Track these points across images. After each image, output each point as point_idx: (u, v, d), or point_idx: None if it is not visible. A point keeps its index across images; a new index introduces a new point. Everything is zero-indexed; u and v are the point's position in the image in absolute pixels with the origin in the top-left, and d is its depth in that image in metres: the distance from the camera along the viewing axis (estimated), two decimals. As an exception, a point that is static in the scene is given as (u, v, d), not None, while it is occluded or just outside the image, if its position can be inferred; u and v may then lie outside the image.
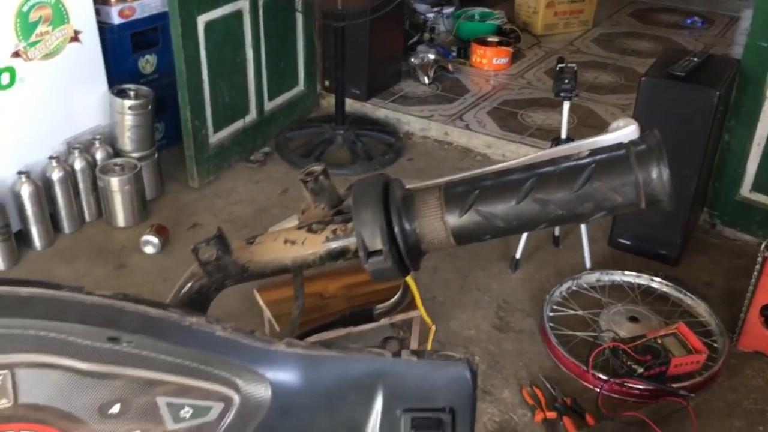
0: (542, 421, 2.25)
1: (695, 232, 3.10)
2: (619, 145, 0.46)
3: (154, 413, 0.46)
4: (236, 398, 0.46)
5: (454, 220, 0.47)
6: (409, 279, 0.65)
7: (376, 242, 0.49)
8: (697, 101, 2.66)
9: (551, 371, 2.44)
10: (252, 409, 0.46)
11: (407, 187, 0.52)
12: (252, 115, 3.67)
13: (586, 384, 2.36)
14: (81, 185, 3.04)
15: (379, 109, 4.06)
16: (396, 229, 0.49)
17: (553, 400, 2.31)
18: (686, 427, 2.17)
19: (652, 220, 2.89)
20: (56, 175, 2.93)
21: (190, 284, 0.58)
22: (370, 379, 0.46)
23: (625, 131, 0.54)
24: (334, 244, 0.56)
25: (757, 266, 2.39)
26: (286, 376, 0.46)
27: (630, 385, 2.30)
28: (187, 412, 0.46)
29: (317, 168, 0.61)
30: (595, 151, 0.46)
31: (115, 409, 0.46)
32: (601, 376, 2.32)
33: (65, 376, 0.45)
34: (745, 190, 3.01)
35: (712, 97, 2.61)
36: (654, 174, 0.43)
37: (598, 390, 2.31)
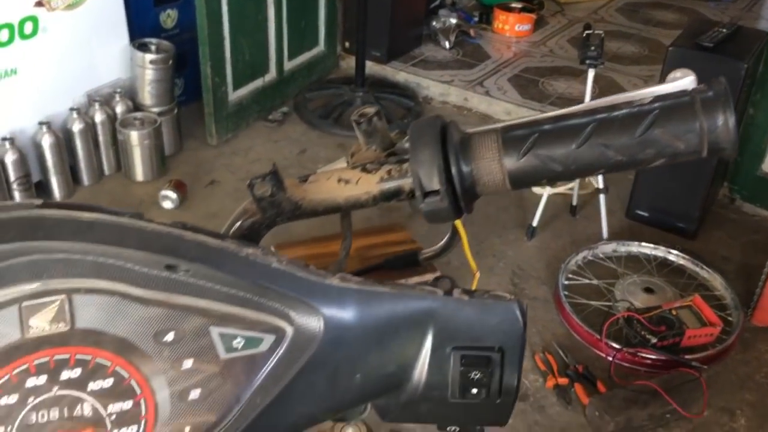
0: (554, 387, 2.27)
1: (714, 206, 3.08)
2: (683, 92, 0.45)
3: (207, 343, 0.47)
4: (289, 330, 0.46)
5: (511, 163, 0.47)
6: (458, 223, 0.65)
7: (434, 182, 0.49)
8: (724, 73, 2.57)
9: (564, 339, 2.45)
10: (304, 342, 0.46)
11: (465, 131, 0.52)
12: (272, 74, 3.65)
13: (598, 352, 2.37)
14: (101, 138, 3.05)
15: (399, 73, 4.03)
16: (453, 170, 0.49)
17: (565, 367, 2.33)
18: (697, 398, 2.18)
19: (670, 193, 2.88)
20: (77, 126, 2.93)
21: (242, 220, 0.59)
22: (421, 316, 0.46)
23: (682, 82, 0.53)
24: (389, 184, 0.56)
25: (777, 242, 2.38)
26: (338, 309, 0.47)
27: (643, 354, 2.31)
28: (239, 342, 0.47)
29: (370, 110, 0.60)
30: (658, 98, 0.46)
31: (170, 336, 0.46)
32: (614, 345, 2.33)
33: (122, 302, 0.45)
34: (767, 165, 2.99)
35: (740, 69, 2.58)
36: (720, 121, 0.42)
37: (611, 359, 2.32)
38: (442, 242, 0.74)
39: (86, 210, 0.46)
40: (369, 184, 0.57)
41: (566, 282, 2.62)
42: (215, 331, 0.46)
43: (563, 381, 2.28)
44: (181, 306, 0.46)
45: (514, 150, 0.47)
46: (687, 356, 2.30)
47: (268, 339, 0.47)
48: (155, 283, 0.45)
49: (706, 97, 0.43)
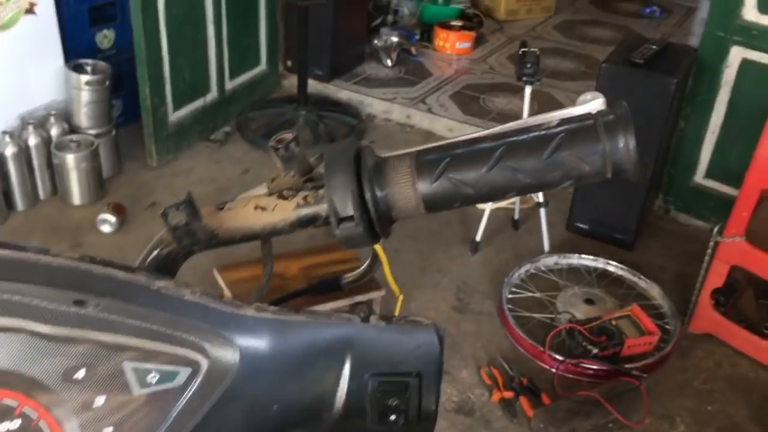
0: (499, 401, 2.29)
1: (650, 217, 3.17)
2: (588, 115, 0.47)
3: (120, 379, 0.46)
4: (204, 363, 0.46)
5: (425, 187, 0.47)
6: (377, 247, 0.66)
7: (347, 208, 0.49)
8: (655, 88, 2.71)
9: (509, 352, 2.48)
10: (220, 374, 0.46)
11: (379, 155, 0.53)
12: (213, 93, 3.62)
13: (542, 364, 2.40)
14: (35, 161, 2.97)
15: (341, 91, 4.04)
16: (367, 195, 0.49)
17: (510, 380, 2.35)
18: (638, 406, 2.23)
19: (608, 205, 2.95)
20: (9, 150, 2.85)
21: (158, 250, 0.58)
22: (338, 344, 0.46)
23: (592, 104, 0.54)
24: (305, 211, 0.56)
25: (709, 251, 2.46)
26: (254, 340, 0.46)
27: (585, 365, 2.35)
28: (153, 377, 0.46)
29: (288, 135, 0.60)
30: (564, 121, 0.47)
31: (80, 374, 0.45)
32: (557, 357, 2.36)
33: (29, 340, 0.44)
34: (699, 176, 3.09)
35: (670, 85, 2.66)
36: (621, 143, 0.44)
37: (554, 370, 2.36)
38: (363, 267, 0.74)
39: (-14, 246, 0.44)
40: (285, 211, 0.57)
41: (510, 296, 2.65)
42: (128, 367, 0.45)
43: (508, 394, 2.30)
44: (92, 342, 0.45)
45: (428, 174, 0.47)
46: (627, 365, 2.35)
47: (184, 372, 0.46)
48: (64, 319, 0.44)
49: (608, 121, 0.45)
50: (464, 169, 0.46)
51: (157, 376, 0.46)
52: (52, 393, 0.45)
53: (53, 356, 0.45)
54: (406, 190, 0.47)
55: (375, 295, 2.47)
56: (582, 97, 0.55)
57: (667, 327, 2.53)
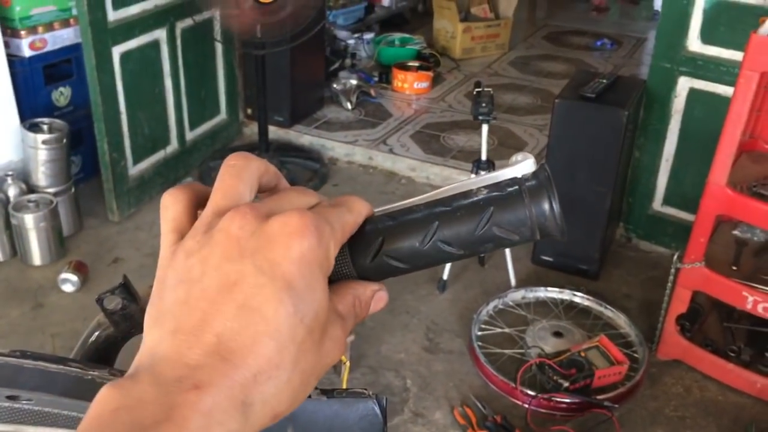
0: (474, 440, 2.28)
1: (612, 246, 3.22)
2: (513, 181, 0.48)
3: (60, 470, 0.45)
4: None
5: (361, 266, 0.48)
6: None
7: None
8: (607, 121, 2.77)
9: (481, 390, 2.47)
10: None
11: None
12: (173, 145, 3.61)
13: (515, 401, 2.40)
14: (-7, 223, 2.92)
15: (302, 136, 4.06)
16: None
17: (483, 419, 2.34)
18: (612, 437, 2.23)
19: (571, 236, 2.98)
20: (-34, 214, 2.80)
21: (96, 333, 0.57)
22: (279, 420, 0.45)
23: (522, 165, 0.56)
24: None
25: (671, 277, 2.50)
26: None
27: (557, 399, 2.35)
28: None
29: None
30: (492, 187, 0.48)
31: (17, 468, 0.44)
32: (529, 392, 2.36)
33: (-36, 438, 0.43)
34: (657, 204, 3.15)
35: (621, 117, 2.73)
36: (546, 208, 0.45)
37: (527, 406, 2.35)
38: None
39: None
40: None
41: (479, 333, 2.65)
42: (67, 458, 0.45)
43: (483, 433, 2.29)
44: (28, 435, 0.44)
45: (363, 255, 0.48)
46: (599, 396, 2.36)
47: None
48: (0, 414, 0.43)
49: (531, 186, 0.46)
50: (399, 244, 0.47)
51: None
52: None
53: (-10, 452, 0.44)
54: (345, 270, 0.48)
55: (344, 340, 2.46)
56: (513, 158, 0.57)
57: (636, 355, 2.55)
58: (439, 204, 0.48)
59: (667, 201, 3.12)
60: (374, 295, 0.43)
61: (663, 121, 2.99)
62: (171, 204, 0.39)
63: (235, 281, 0.34)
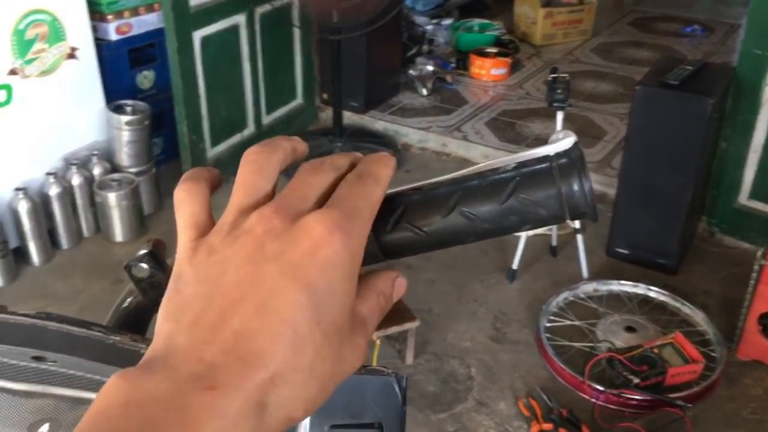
0: (538, 433, 2.24)
1: (694, 240, 3.09)
2: (545, 158, 0.46)
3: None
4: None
5: (383, 235, 0.47)
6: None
7: None
8: (691, 110, 2.65)
9: (547, 382, 2.43)
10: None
11: None
12: (250, 128, 3.69)
13: (582, 395, 2.34)
14: (79, 201, 3.05)
15: (377, 122, 4.07)
16: None
17: (549, 411, 2.30)
18: (683, 437, 2.15)
19: (649, 229, 2.88)
20: (54, 191, 2.94)
21: (129, 300, 0.58)
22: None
23: (562, 144, 0.53)
24: None
25: (754, 274, 2.38)
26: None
27: (626, 395, 2.28)
28: None
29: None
30: (521, 164, 0.46)
31: (44, 428, 0.46)
32: (598, 387, 2.30)
33: (-5, 395, 0.45)
34: (743, 197, 3.00)
35: (707, 106, 2.60)
36: (575, 186, 0.42)
37: (594, 401, 2.29)
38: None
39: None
40: None
41: (548, 324, 2.60)
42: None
43: (547, 426, 2.24)
44: (54, 396, 0.45)
45: (383, 222, 0.46)
46: (671, 395, 2.27)
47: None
48: (25, 374, 0.44)
49: (561, 164, 0.43)
50: (420, 216, 0.46)
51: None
52: (18, 447, 0.46)
53: (18, 411, 0.45)
54: (369, 247, 0.47)
55: (409, 325, 2.46)
56: (554, 136, 0.54)
57: (713, 354, 2.45)
58: (466, 179, 0.46)
59: (754, 195, 2.96)
60: (394, 284, 0.42)
61: (752, 110, 2.84)
62: (187, 199, 0.39)
63: (257, 282, 0.34)
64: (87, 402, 0.45)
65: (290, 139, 0.42)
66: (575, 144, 0.47)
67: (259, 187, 0.38)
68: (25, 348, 0.44)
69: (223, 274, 0.34)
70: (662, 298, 2.72)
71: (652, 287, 2.74)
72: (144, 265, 0.54)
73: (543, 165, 0.44)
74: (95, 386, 0.45)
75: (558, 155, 0.45)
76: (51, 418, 0.45)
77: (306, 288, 0.33)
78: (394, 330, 2.46)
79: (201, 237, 0.37)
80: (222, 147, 3.51)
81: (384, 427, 0.45)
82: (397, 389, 0.45)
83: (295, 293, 0.33)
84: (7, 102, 2.77)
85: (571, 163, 0.43)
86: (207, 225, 0.38)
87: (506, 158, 0.50)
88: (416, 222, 0.46)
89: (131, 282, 0.58)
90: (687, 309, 2.66)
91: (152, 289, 0.57)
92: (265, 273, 0.34)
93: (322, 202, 0.37)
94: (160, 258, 0.56)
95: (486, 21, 5.23)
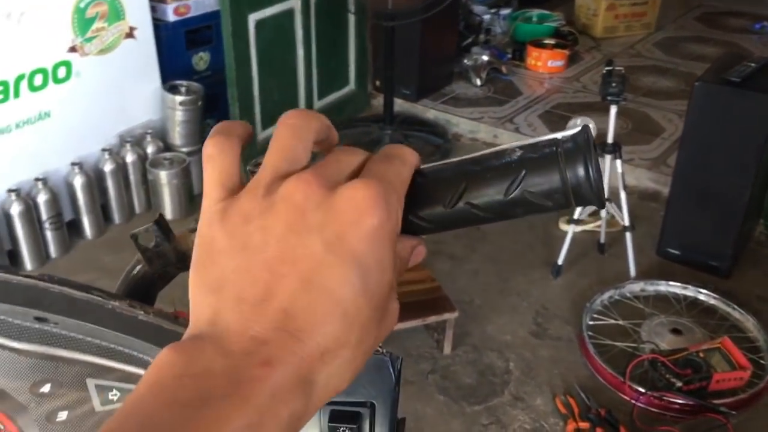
0: (574, 431, 2.20)
1: (749, 243, 2.98)
2: (551, 142, 0.44)
3: (84, 395, 0.47)
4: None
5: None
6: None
7: None
8: (752, 108, 2.55)
9: (587, 381, 2.38)
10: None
11: None
12: (301, 113, 3.70)
13: (622, 396, 2.29)
14: (132, 177, 3.13)
15: (428, 110, 4.04)
16: None
17: (586, 410, 2.26)
18: (725, 445, 2.09)
19: (702, 229, 2.79)
20: (108, 167, 3.02)
21: (138, 268, 0.59)
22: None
23: (574, 130, 0.51)
24: None
25: (810, 281, 2.29)
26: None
27: (668, 398, 2.22)
28: (114, 394, 0.47)
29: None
30: (529, 149, 0.45)
31: (46, 388, 0.47)
32: (638, 389, 2.25)
33: (1, 354, 0.46)
34: (805, 201, 2.88)
35: (769, 104, 2.51)
36: (581, 171, 0.41)
37: (634, 402, 2.24)
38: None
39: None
40: None
41: (591, 322, 2.55)
42: (92, 383, 0.46)
43: (584, 425, 2.21)
44: (56, 358, 0.46)
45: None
46: (715, 401, 2.21)
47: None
48: (29, 334, 0.45)
49: (567, 148, 0.42)
50: (423, 204, 0.45)
51: (118, 394, 0.47)
52: (18, 405, 0.47)
53: (21, 370, 0.46)
54: None
55: (448, 316, 2.44)
56: (572, 121, 0.52)
57: (762, 362, 2.37)
58: (470, 162, 0.45)
59: (816, 199, 2.84)
60: (413, 251, 0.41)
61: (819, 110, 2.71)
62: (217, 154, 0.36)
63: (301, 255, 0.33)
64: (88, 365, 0.46)
65: (325, 117, 0.41)
66: (583, 128, 0.45)
67: (297, 152, 0.36)
68: (27, 308, 0.45)
69: (264, 245, 0.33)
70: (712, 301, 2.64)
71: (702, 290, 2.66)
72: (150, 235, 0.55)
73: (550, 149, 0.43)
74: (94, 349, 0.46)
75: (564, 140, 0.44)
76: (53, 379, 0.46)
77: (354, 265, 0.33)
78: (432, 320, 2.45)
79: (229, 197, 0.35)
80: (272, 130, 3.53)
81: (375, 405, 0.44)
82: (390, 369, 0.44)
83: (344, 270, 0.32)
84: (67, 78, 2.85)
85: (577, 147, 0.42)
86: (236, 184, 0.36)
87: (516, 144, 0.49)
88: (421, 212, 0.45)
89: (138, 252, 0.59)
90: (737, 314, 2.57)
91: (158, 259, 0.57)
92: (309, 245, 0.33)
93: (353, 178, 0.36)
94: (166, 229, 0.57)
95: (545, 12, 5.13)
